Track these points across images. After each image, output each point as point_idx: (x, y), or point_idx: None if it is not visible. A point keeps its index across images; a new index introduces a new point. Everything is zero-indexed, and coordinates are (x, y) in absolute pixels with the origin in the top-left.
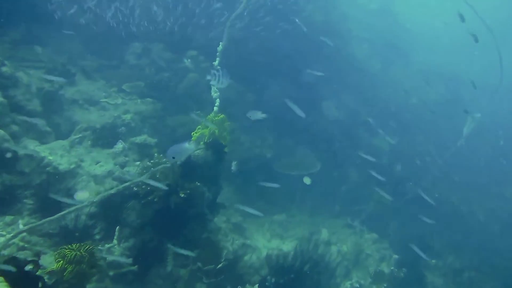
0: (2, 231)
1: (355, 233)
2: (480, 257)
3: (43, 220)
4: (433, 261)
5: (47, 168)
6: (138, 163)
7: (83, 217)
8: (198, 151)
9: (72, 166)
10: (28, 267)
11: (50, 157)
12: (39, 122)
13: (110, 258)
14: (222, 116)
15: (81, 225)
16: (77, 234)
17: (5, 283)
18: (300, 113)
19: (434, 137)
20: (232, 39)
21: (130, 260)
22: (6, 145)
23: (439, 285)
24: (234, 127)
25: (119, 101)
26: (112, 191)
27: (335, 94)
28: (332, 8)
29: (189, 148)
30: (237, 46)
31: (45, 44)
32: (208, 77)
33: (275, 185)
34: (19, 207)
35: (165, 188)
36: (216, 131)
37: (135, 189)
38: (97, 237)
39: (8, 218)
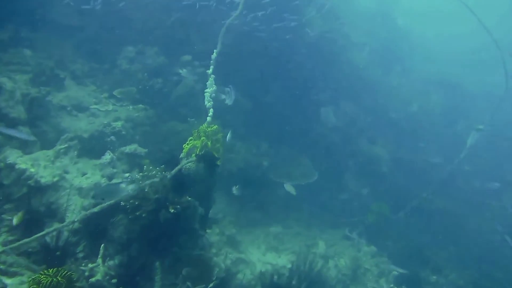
0: None
1: (353, 246)
2: (480, 271)
3: (22, 241)
4: (434, 277)
5: (29, 181)
6: (127, 174)
7: (66, 234)
8: (189, 163)
9: (56, 179)
10: None
11: (32, 169)
12: (22, 132)
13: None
14: (215, 126)
15: (63, 243)
16: (58, 253)
17: None
18: None
19: (435, 145)
20: (227, 46)
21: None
22: None
23: None
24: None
25: (110, 107)
26: (95, 210)
27: (334, 100)
28: (331, 14)
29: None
30: (232, 53)
31: (35, 47)
32: (223, 96)
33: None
34: None
35: None
36: (209, 143)
37: (122, 203)
38: (80, 255)
39: None
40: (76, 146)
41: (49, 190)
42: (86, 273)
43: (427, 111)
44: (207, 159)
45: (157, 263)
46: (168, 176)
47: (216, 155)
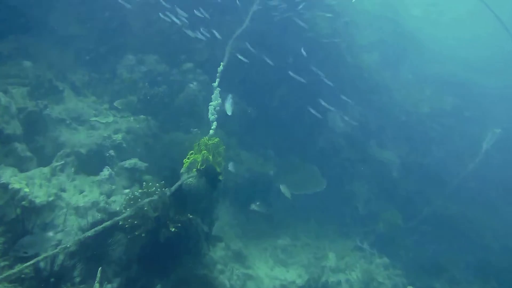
0: None
1: (365, 257)
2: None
3: (15, 270)
4: None
5: (23, 202)
6: (127, 190)
7: (61, 257)
8: (190, 179)
9: (51, 198)
10: None
11: (26, 189)
12: (19, 147)
13: None
14: (216, 139)
15: (58, 267)
16: (52, 279)
17: None
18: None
19: (448, 149)
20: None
21: None
22: None
23: None
24: (234, 143)
25: (110, 119)
26: (89, 234)
27: (342, 105)
28: (336, 16)
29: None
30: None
31: (35, 57)
32: (227, 105)
33: None
34: None
35: None
36: (210, 157)
37: (120, 223)
38: (77, 279)
39: None
40: (73, 162)
41: (45, 210)
42: None
43: (439, 112)
44: (209, 174)
45: (159, 286)
46: (168, 193)
47: (218, 170)
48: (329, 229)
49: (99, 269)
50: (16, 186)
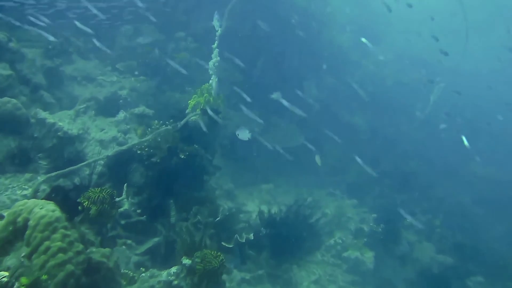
0: (24, 185)
1: (337, 200)
2: (451, 219)
3: (66, 169)
4: (408, 219)
5: (58, 133)
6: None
7: (94, 176)
8: (194, 117)
9: (81, 132)
10: (72, 194)
11: (61, 123)
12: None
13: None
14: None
15: (93, 183)
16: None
17: (53, 205)
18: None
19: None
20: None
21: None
22: (19, 112)
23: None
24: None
25: (114, 78)
26: (124, 148)
27: (316, 75)
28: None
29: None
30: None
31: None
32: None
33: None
34: (35, 166)
35: None
36: (211, 99)
37: (138, 152)
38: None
39: (27, 175)
40: (93, 106)
41: (76, 140)
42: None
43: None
44: (211, 112)
45: (171, 201)
46: (179, 126)
47: (218, 109)
48: (306, 180)
49: (125, 184)
50: (52, 120)
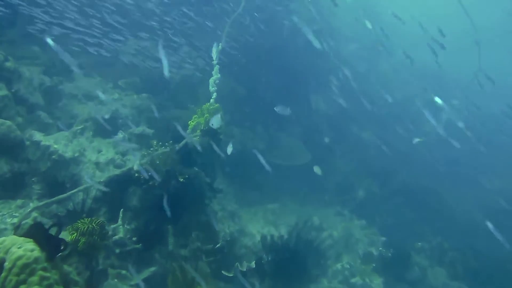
0: (15, 212)
1: (345, 221)
2: (464, 241)
3: (56, 198)
4: (419, 243)
5: (53, 156)
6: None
7: (89, 201)
8: (195, 138)
9: (76, 154)
10: (52, 231)
11: (56, 146)
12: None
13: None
14: (217, 105)
15: (87, 208)
16: (84, 215)
17: (33, 244)
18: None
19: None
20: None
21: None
22: (13, 135)
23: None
24: (226, 119)
25: (116, 96)
26: (118, 172)
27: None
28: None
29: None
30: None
31: (41, 43)
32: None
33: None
34: (28, 192)
35: None
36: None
37: (136, 175)
38: (102, 218)
39: (19, 202)
40: (91, 127)
41: (71, 164)
42: (110, 233)
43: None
44: (211, 134)
45: (170, 227)
46: (177, 148)
47: (218, 131)
48: (313, 198)
49: (121, 210)
50: (47, 143)
